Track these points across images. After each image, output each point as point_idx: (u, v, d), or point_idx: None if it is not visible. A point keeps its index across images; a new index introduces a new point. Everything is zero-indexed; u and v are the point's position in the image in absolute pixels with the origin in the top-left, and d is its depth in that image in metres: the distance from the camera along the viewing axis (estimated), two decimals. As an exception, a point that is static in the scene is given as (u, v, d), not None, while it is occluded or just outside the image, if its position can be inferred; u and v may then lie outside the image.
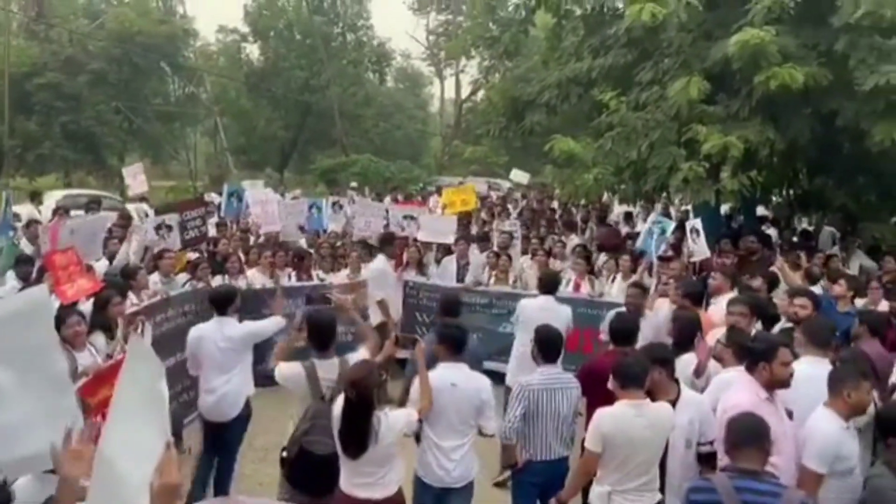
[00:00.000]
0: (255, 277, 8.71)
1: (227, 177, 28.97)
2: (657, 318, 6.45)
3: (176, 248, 8.45)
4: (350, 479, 4.02)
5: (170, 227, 8.65)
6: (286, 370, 4.63)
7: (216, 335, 5.51)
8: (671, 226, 9.08)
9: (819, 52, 8.56)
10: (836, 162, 9.83)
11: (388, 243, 9.18)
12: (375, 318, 8.30)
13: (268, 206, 11.07)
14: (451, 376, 4.41)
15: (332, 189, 20.97)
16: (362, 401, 3.87)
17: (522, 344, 6.39)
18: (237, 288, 6.58)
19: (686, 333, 5.19)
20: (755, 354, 4.12)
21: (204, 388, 5.59)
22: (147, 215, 11.20)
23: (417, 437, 4.48)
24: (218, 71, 37.50)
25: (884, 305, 6.81)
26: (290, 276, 9.00)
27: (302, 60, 35.58)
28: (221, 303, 5.63)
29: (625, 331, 5.17)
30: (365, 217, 10.73)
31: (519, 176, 19.78)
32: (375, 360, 4.66)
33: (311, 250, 10.15)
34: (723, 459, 3.66)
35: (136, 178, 13.44)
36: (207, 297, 6.10)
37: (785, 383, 4.02)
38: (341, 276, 9.04)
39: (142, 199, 14.88)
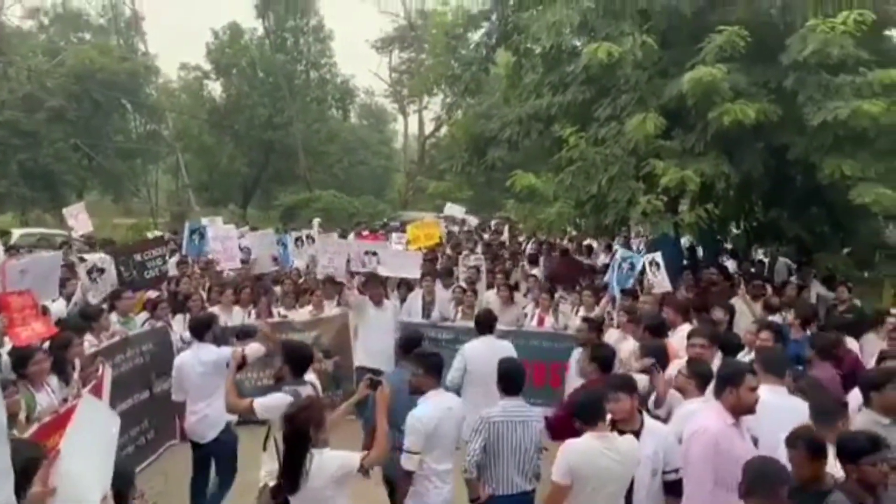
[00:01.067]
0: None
1: (189, 214, 28.65)
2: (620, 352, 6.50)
3: (107, 291, 8.30)
4: None
5: (101, 270, 8.53)
6: (270, 402, 4.67)
7: (194, 360, 5.87)
8: (640, 261, 9.21)
9: (769, 88, 8.80)
10: (789, 194, 10.05)
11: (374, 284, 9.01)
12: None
13: (227, 242, 10.97)
14: (445, 401, 4.60)
15: (287, 226, 20.72)
16: (296, 436, 3.80)
17: (471, 387, 6.26)
18: (214, 314, 6.81)
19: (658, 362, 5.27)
20: (722, 379, 4.17)
21: (188, 411, 5.93)
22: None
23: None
24: (180, 108, 37.32)
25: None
26: (249, 314, 8.88)
27: (265, 98, 35.65)
28: (199, 329, 6.00)
29: (605, 359, 5.30)
30: (328, 254, 10.68)
31: (453, 210, 19.96)
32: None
33: (278, 286, 10.11)
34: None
35: (77, 217, 12.79)
36: (189, 326, 6.47)
37: (751, 409, 4.06)
38: (303, 314, 8.98)
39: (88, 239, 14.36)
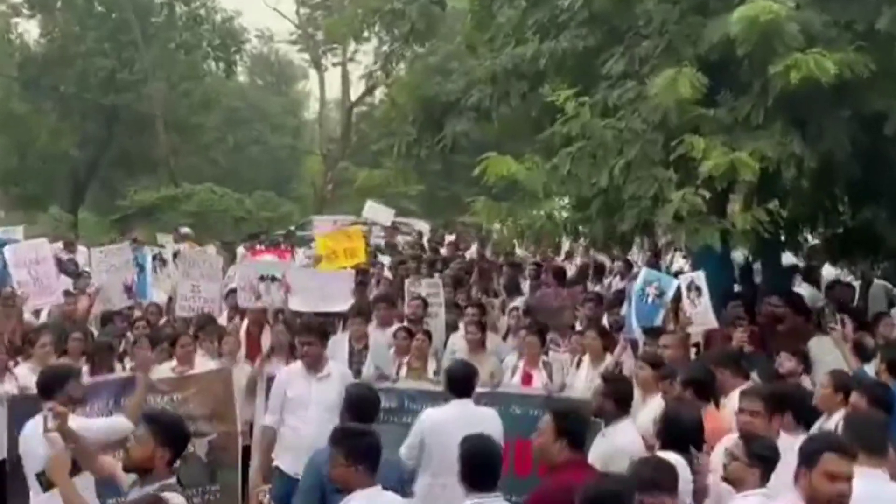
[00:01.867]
0: (26, 376, 8.38)
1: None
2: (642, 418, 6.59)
3: None
4: None
5: None
6: None
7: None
8: (672, 285, 9.29)
9: (856, 31, 8.93)
10: (889, 184, 10.23)
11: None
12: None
13: (39, 267, 10.61)
14: None
15: (119, 238, 19.87)
16: None
17: (430, 476, 6.32)
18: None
19: (682, 438, 5.37)
20: (799, 459, 4.27)
21: None
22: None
23: None
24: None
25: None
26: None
27: (105, 44, 35.28)
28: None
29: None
30: (191, 279, 10.51)
31: (377, 213, 20.09)
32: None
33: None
34: None
35: None
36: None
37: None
38: (163, 370, 8.87)
39: None
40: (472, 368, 7.15)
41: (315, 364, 7.81)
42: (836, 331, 8.52)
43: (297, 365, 7.98)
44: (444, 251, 18.70)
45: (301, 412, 7.58)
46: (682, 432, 5.49)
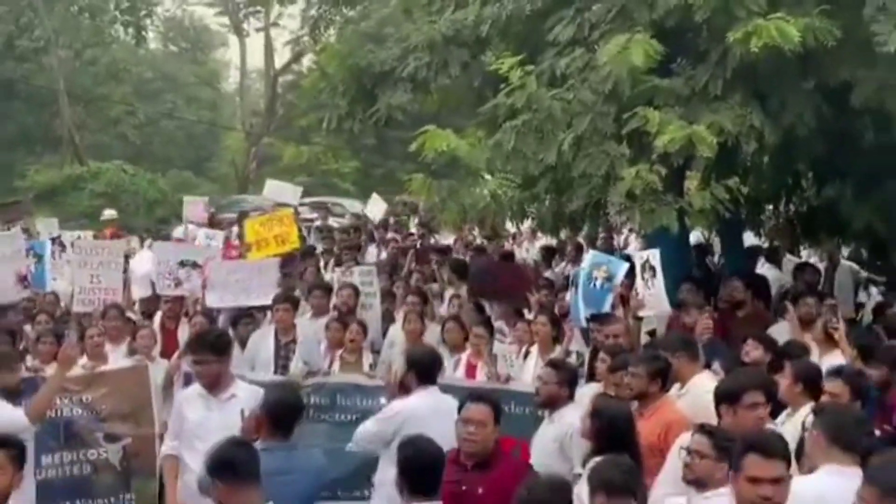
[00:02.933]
0: None
1: None
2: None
3: None
4: None
5: None
6: None
7: None
8: (621, 269, 9.38)
9: (820, -5, 9.10)
10: (855, 161, 10.37)
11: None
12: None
13: None
14: None
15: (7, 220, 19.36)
16: None
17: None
18: None
19: (612, 436, 5.47)
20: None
21: None
22: None
23: None
24: None
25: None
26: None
27: (0, 7, 34.61)
28: None
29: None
30: (89, 268, 10.37)
31: (282, 191, 20.18)
32: None
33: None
34: None
35: None
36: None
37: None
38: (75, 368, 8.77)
39: None
40: (437, 354, 7.27)
41: (214, 385, 6.90)
42: (790, 313, 8.71)
43: (196, 387, 7.13)
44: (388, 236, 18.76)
45: (200, 442, 6.35)
46: (615, 432, 5.57)
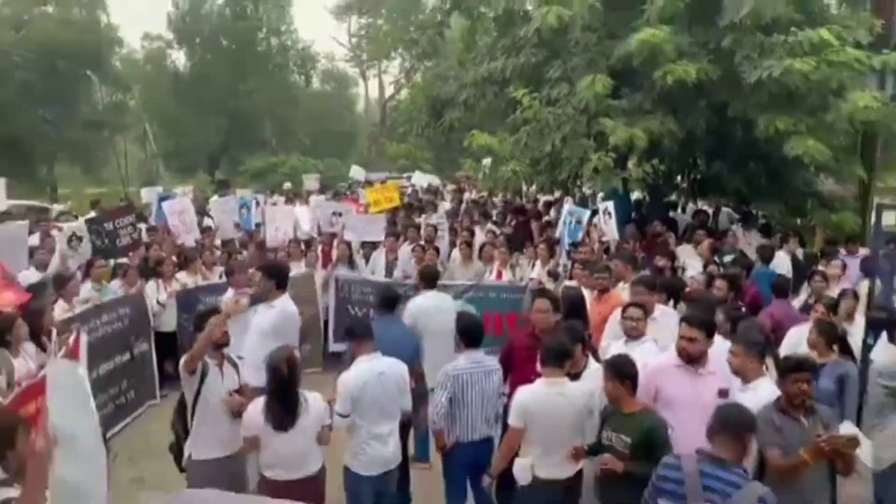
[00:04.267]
0: (184, 279, 8.42)
1: (158, 182, 27.96)
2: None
3: (86, 258, 8.19)
4: (271, 463, 4.05)
5: (80, 238, 8.50)
6: None
7: None
8: (586, 215, 9.29)
9: (709, 49, 8.85)
10: (729, 149, 10.16)
11: None
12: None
13: (184, 216, 10.40)
14: (376, 366, 4.42)
15: (221, 191, 19.18)
16: (292, 374, 4.02)
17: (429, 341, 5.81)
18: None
19: (572, 309, 5.50)
20: None
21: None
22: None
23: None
24: (145, 78, 36.07)
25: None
26: (221, 275, 8.63)
27: (228, 66, 34.61)
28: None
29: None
30: (275, 223, 10.42)
31: (421, 178, 19.99)
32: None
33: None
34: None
35: None
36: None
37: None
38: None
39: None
40: (435, 270, 6.86)
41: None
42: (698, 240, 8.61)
43: None
44: (449, 194, 18.59)
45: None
46: (573, 307, 5.62)
